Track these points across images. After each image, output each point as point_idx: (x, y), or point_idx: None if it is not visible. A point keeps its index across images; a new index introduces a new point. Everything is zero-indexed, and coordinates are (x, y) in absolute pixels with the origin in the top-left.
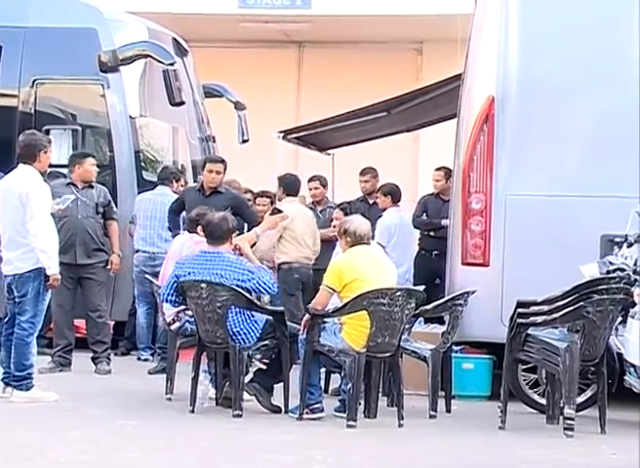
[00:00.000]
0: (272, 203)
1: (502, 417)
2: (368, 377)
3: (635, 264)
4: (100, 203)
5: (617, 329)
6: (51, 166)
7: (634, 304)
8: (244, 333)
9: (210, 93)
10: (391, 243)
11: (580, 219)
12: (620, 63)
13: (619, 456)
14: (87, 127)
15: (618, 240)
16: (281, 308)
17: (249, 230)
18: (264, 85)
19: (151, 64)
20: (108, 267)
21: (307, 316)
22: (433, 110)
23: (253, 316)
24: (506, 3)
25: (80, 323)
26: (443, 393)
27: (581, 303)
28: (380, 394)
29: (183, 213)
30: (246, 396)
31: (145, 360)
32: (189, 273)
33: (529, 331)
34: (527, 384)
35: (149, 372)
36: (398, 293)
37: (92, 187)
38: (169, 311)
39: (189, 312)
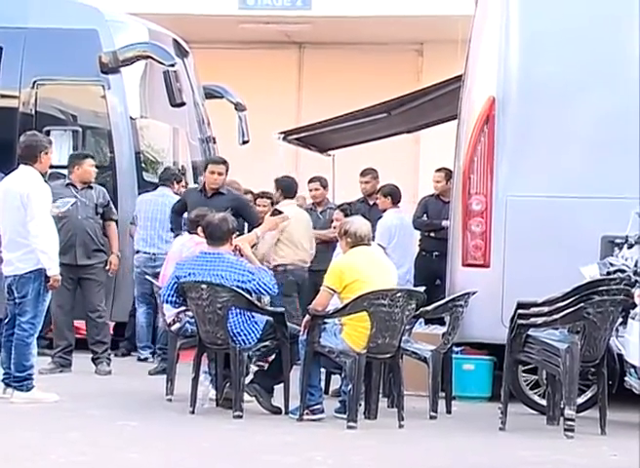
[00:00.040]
0: (273, 204)
1: (503, 418)
2: (368, 378)
3: (636, 265)
4: (100, 204)
5: (617, 330)
6: (51, 167)
7: (635, 305)
8: (244, 334)
9: (210, 94)
10: (392, 244)
11: (580, 221)
12: (621, 65)
13: (619, 458)
14: (87, 128)
15: (618, 241)
16: (281, 309)
17: (249, 231)
18: (265, 86)
19: (152, 65)
20: (107, 268)
21: (308, 317)
22: (434, 111)
23: (253, 317)
24: (507, 4)
25: (80, 324)
26: (443, 394)
27: (582, 304)
28: (380, 395)
29: (186, 213)
30: (246, 397)
31: (145, 359)
32: (190, 274)
33: (529, 333)
34: (527, 385)
35: (150, 373)
36: (399, 294)
37: (91, 188)
38: (169, 312)
39: (190, 313)
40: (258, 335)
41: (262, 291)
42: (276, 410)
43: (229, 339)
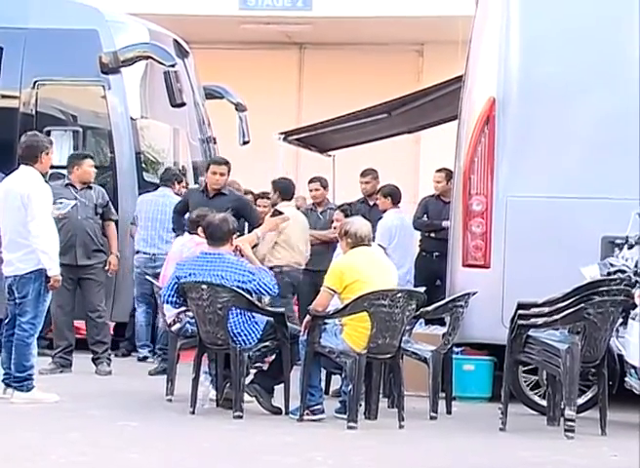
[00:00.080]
0: (273, 204)
1: (503, 419)
2: (368, 379)
3: (636, 266)
4: (99, 204)
5: (617, 330)
6: (52, 167)
7: (635, 306)
8: (245, 335)
9: (211, 94)
10: (392, 244)
11: (580, 221)
12: (621, 66)
13: (619, 458)
14: (88, 128)
15: (618, 242)
16: (282, 309)
17: (249, 231)
18: (265, 86)
19: (152, 66)
20: (107, 268)
21: (308, 317)
22: (434, 112)
23: (253, 317)
24: (507, 5)
25: (80, 324)
26: (444, 394)
27: (582, 305)
28: (380, 395)
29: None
30: (246, 397)
31: (144, 358)
32: (190, 274)
33: (529, 333)
34: (527, 386)
35: (150, 374)
36: (399, 295)
37: (90, 188)
38: (170, 312)
39: (190, 313)
40: (258, 336)
41: (263, 291)
42: (276, 411)
43: (230, 340)
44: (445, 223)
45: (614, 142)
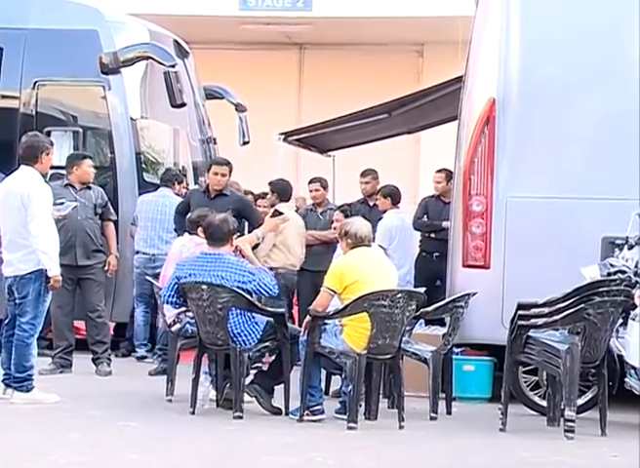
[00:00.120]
0: (270, 206)
1: (503, 419)
2: (368, 379)
3: (636, 266)
4: (98, 204)
5: (617, 331)
6: (52, 167)
7: (635, 306)
8: (245, 335)
9: (211, 94)
10: (392, 245)
11: (580, 222)
12: (621, 66)
13: (619, 459)
14: (88, 128)
15: (618, 242)
16: (282, 310)
17: (249, 232)
18: (265, 87)
19: (152, 66)
20: (106, 268)
21: (308, 318)
22: (434, 112)
23: (253, 317)
24: (507, 6)
25: (80, 324)
26: (444, 395)
27: (582, 305)
28: (380, 396)
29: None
30: (246, 397)
31: (142, 357)
32: (190, 275)
33: (529, 334)
34: (527, 386)
35: (150, 374)
36: (399, 295)
37: (89, 188)
38: (170, 313)
39: (190, 314)
40: (258, 336)
41: (263, 291)
42: (276, 411)
43: (230, 340)
44: (445, 224)
45: (614, 143)
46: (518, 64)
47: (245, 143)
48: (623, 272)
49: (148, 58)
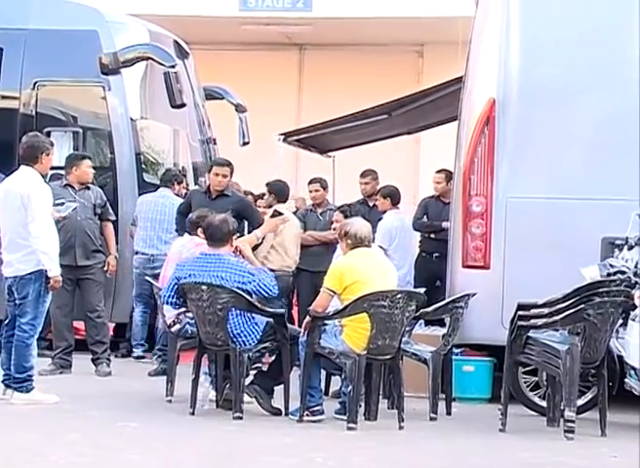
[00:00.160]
0: (268, 207)
1: (503, 420)
2: (368, 380)
3: (636, 267)
4: (97, 204)
5: (617, 331)
6: (52, 168)
7: (635, 307)
8: (244, 336)
9: (211, 95)
10: (392, 245)
11: (580, 222)
12: (621, 66)
13: (619, 459)
14: (88, 129)
15: (618, 242)
16: (282, 310)
17: (249, 232)
18: (265, 87)
19: (152, 67)
20: (105, 268)
21: (308, 318)
22: (434, 113)
23: (253, 318)
24: (507, 6)
25: (79, 324)
26: (443, 395)
27: (582, 306)
28: (380, 396)
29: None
30: (246, 398)
31: (140, 357)
32: (190, 275)
33: (529, 334)
34: (527, 387)
35: (150, 374)
36: (399, 296)
37: (88, 189)
38: (169, 313)
39: (190, 314)
40: (258, 337)
41: (263, 292)
42: (276, 412)
43: (229, 340)
44: (445, 224)
45: (614, 143)
46: (518, 65)
47: (245, 144)
48: (623, 272)
49: (148, 58)
